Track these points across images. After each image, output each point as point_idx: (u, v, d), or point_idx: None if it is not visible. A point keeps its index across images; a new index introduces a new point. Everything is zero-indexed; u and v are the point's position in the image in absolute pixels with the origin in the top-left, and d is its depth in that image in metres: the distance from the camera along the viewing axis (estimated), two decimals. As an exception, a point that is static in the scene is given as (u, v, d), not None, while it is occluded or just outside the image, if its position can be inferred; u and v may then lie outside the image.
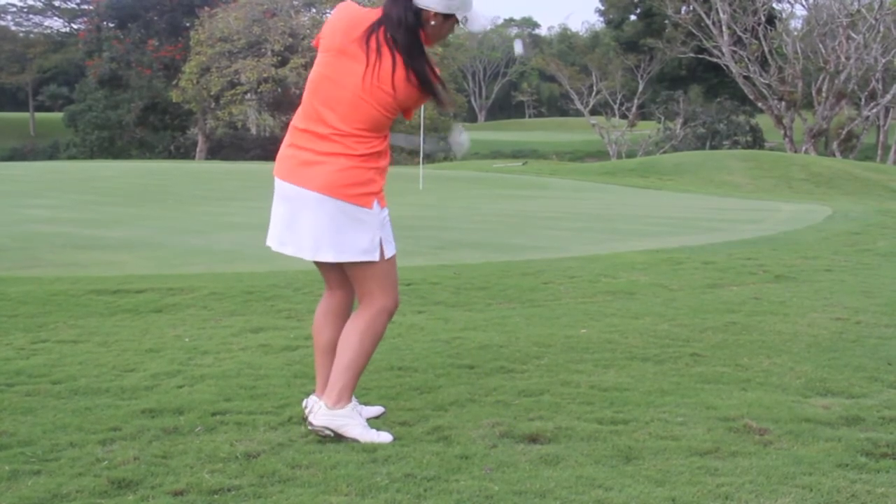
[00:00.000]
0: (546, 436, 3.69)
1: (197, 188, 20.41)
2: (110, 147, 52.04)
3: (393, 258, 3.77)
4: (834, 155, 45.14)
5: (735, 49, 46.89)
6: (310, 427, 3.68)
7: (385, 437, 3.65)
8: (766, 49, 46.00)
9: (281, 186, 3.71)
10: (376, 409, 4.03)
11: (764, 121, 54.56)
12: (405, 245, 11.00)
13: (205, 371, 4.70)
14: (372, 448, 3.52)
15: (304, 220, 3.63)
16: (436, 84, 3.59)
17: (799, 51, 46.01)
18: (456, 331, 5.84)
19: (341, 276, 3.87)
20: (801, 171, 30.40)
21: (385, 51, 3.52)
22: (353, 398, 3.78)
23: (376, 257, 3.66)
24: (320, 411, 3.65)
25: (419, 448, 3.53)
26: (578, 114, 66.07)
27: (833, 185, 28.57)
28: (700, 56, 49.67)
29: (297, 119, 3.72)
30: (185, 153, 52.02)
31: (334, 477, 3.22)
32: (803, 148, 45.70)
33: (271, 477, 3.22)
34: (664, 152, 50.13)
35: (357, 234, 3.61)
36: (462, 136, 4.27)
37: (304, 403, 3.94)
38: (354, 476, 3.23)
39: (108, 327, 5.85)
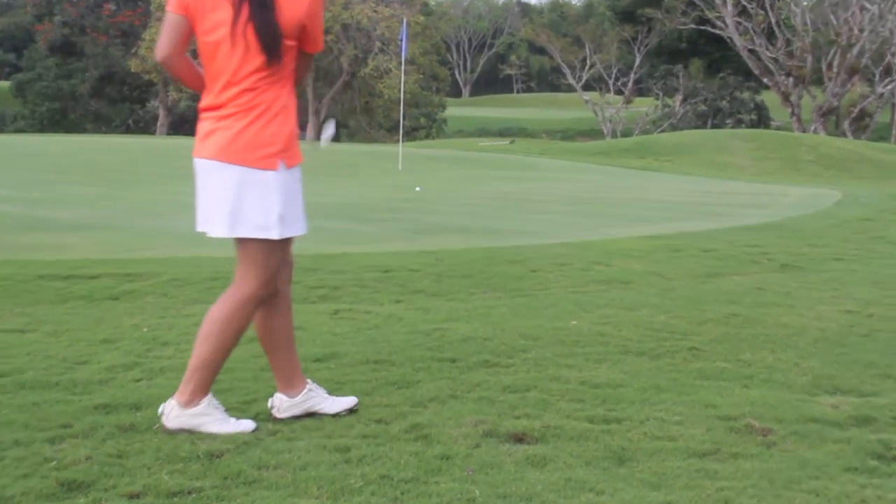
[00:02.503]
0: (533, 435, 3.69)
1: (158, 166, 20.31)
2: (62, 120, 51.69)
3: (289, 241, 3.75)
4: (845, 135, 45.36)
5: (739, 20, 46.96)
6: (164, 431, 3.67)
7: (246, 425, 3.69)
8: (772, 20, 46.12)
9: (194, 164, 3.75)
10: (349, 401, 4.02)
11: (770, 98, 54.76)
12: (382, 229, 11.00)
13: (164, 364, 4.68)
14: (345, 447, 3.52)
15: (203, 192, 3.67)
16: None
17: (808, 22, 46.14)
18: (437, 322, 5.83)
19: None
20: (809, 153, 30.54)
21: None
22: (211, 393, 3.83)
23: (273, 235, 3.64)
24: (172, 412, 3.66)
25: (396, 447, 3.53)
26: (570, 89, 66.10)
27: (843, 167, 28.73)
28: (702, 28, 49.74)
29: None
30: (145, 128, 51.75)
31: (304, 479, 3.21)
32: (812, 127, 45.89)
33: (236, 478, 3.21)
34: (662, 131, 50.23)
35: (254, 206, 3.60)
36: (329, 131, 4.30)
37: (269, 403, 3.94)
38: (326, 478, 3.22)
39: (59, 316, 5.80)
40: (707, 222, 12.34)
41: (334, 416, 3.89)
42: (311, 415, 3.89)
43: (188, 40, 3.67)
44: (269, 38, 3.53)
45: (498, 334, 5.50)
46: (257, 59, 3.56)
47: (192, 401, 3.67)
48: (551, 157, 29.96)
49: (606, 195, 16.97)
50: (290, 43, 3.60)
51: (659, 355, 5.10)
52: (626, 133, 54.21)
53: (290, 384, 3.91)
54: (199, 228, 3.75)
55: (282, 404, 3.87)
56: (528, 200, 15.31)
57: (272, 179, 3.60)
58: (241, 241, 3.69)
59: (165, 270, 7.16)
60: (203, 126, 3.68)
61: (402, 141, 27.97)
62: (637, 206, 14.91)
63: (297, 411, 3.87)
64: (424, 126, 59.98)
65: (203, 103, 3.70)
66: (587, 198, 16.19)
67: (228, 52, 3.56)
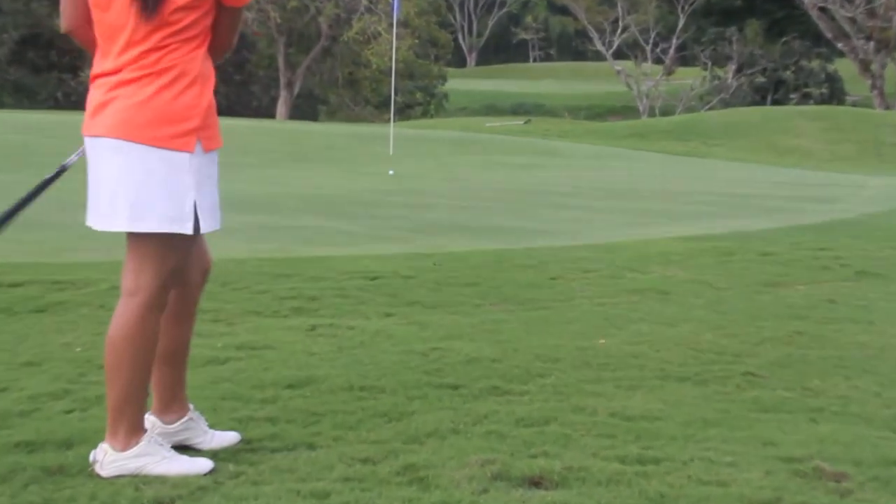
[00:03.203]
0: (552, 478, 3.69)
1: (92, 149, 20.27)
2: (-27, 92, 51.67)
3: (194, 239, 3.68)
4: (937, 113, 45.31)
5: (808, -28, 46.90)
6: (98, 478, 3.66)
7: (201, 465, 3.69)
8: (848, -28, 46.05)
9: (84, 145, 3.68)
10: (231, 436, 4.04)
11: (845, 67, 54.74)
12: (369, 227, 10.99)
13: (102, 391, 4.65)
14: (323, 493, 3.51)
15: (98, 178, 3.60)
16: None
17: (892, -26, 46.06)
18: (435, 340, 5.84)
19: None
20: (893, 134, 30.54)
21: None
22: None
23: (187, 229, 3.58)
24: (107, 458, 3.64)
25: (385, 493, 3.53)
26: (599, 58, 66.16)
27: (935, 153, 28.70)
28: (761, -19, 49.66)
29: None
30: (78, 102, 51.60)
31: (272, 531, 3.21)
32: (897, 104, 45.79)
33: (189, 531, 3.21)
34: (711, 108, 50.28)
35: (163, 192, 3.52)
36: None
37: (147, 421, 3.91)
38: (299, 530, 3.22)
39: (-27, 332, 5.81)
40: (766, 220, 12.35)
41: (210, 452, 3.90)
42: (186, 448, 3.88)
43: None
44: None
45: (509, 355, 5.51)
46: (166, 19, 3.47)
47: (128, 443, 3.66)
48: (575, 141, 29.97)
49: (642, 186, 16.98)
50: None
51: (706, 381, 5.10)
52: (667, 111, 54.23)
53: (169, 408, 3.94)
54: (89, 222, 3.70)
55: (153, 429, 3.86)
56: (547, 193, 15.32)
57: (186, 162, 3.53)
58: (137, 237, 3.62)
59: (104, 277, 7.15)
60: (94, 96, 3.59)
61: (394, 120, 27.95)
62: (679, 199, 14.92)
63: (169, 440, 3.86)
64: (421, 102, 60.02)
65: (96, 69, 3.62)
66: (619, 190, 16.20)
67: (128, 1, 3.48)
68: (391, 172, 16.63)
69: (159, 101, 3.49)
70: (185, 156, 3.52)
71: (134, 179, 3.52)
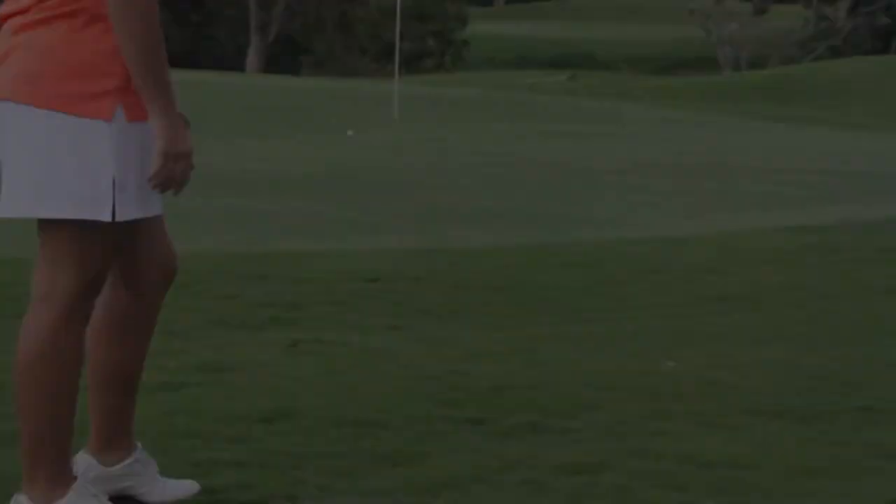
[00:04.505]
0: (607, 543, 3.70)
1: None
2: None
3: (128, 226, 3.59)
4: None
5: None
6: None
7: None
8: None
9: None
10: (186, 486, 4.03)
11: None
12: (368, 214, 10.95)
13: (10, 426, 4.67)
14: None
15: (3, 153, 3.57)
16: None
17: None
18: (453, 360, 5.86)
19: (125, 259, 3.77)
20: None
21: None
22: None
23: (104, 214, 3.51)
24: None
25: (388, 561, 3.54)
26: (667, -7, 66.07)
27: None
28: None
29: None
30: None
31: None
32: None
33: None
34: (817, 59, 50.17)
35: (74, 168, 3.49)
36: None
37: (81, 461, 3.88)
38: None
39: None
40: (889, 206, 12.31)
41: None
42: (129, 499, 3.87)
43: None
44: None
45: (550, 381, 5.52)
46: None
47: (52, 494, 3.63)
48: (636, 102, 29.95)
49: (724, 162, 16.94)
50: None
51: (809, 418, 5.09)
52: (758, 63, 54.12)
53: (111, 445, 3.91)
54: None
55: (87, 472, 3.83)
56: (599, 170, 15.31)
57: (103, 132, 3.49)
58: (49, 227, 3.59)
59: (20, 279, 7.17)
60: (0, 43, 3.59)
61: (399, 74, 27.96)
62: (774, 178, 14.89)
63: (107, 487, 3.84)
64: (434, 51, 60.09)
65: (4, 8, 3.61)
66: (693, 166, 16.17)
67: None
68: (350, 133, 16.46)
69: (68, 46, 3.45)
70: (100, 124, 3.48)
71: (34, 152, 3.50)
